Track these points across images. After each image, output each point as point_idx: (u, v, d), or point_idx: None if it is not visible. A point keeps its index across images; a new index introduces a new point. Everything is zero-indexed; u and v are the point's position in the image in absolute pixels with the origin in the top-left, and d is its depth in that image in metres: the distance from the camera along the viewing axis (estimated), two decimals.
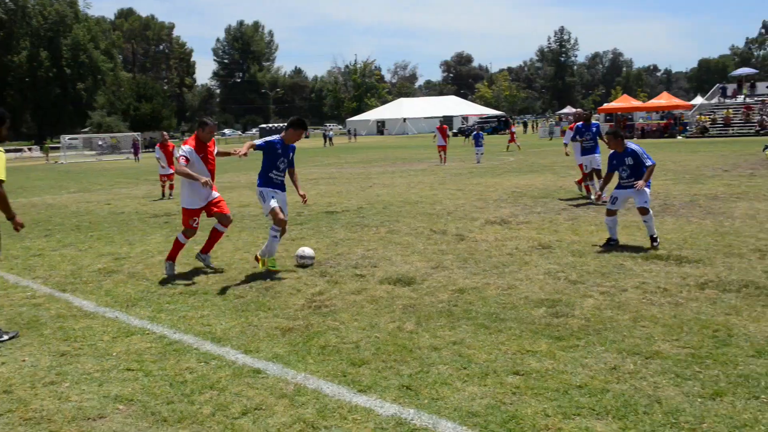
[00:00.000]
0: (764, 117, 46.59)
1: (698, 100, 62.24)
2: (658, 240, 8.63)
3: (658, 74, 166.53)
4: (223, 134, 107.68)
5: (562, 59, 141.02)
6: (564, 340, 5.15)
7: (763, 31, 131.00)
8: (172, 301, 6.88)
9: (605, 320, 5.60)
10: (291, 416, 4.02)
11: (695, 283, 6.71)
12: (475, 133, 29.38)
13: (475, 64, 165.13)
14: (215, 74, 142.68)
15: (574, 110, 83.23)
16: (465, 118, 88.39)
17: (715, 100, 54.00)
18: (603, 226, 10.32)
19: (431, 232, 10.34)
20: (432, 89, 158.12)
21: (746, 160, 23.57)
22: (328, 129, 75.67)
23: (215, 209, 8.06)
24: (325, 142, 63.55)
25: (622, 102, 55.89)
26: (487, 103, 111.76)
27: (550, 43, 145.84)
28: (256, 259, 8.11)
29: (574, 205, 12.96)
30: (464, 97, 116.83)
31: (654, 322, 5.53)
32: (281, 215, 7.71)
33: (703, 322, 5.45)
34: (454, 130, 75.90)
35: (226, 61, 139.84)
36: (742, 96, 52.46)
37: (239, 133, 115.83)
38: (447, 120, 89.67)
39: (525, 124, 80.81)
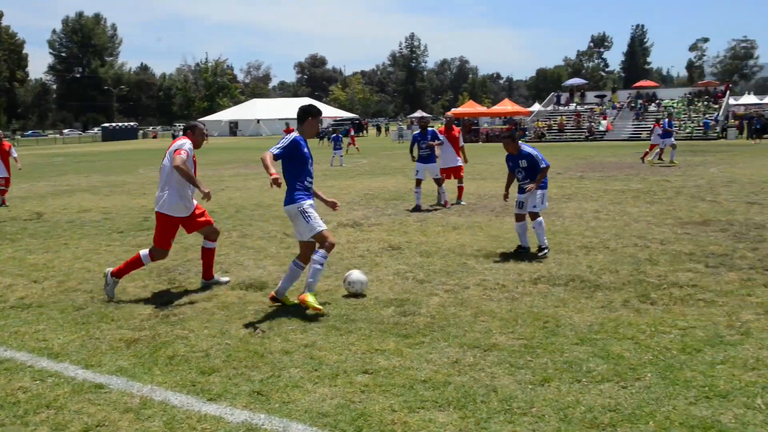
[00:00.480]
0: (592, 124, 50.86)
1: (536, 107, 66.69)
2: (546, 251, 8.43)
3: (501, 81, 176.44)
4: (62, 133, 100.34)
5: (413, 65, 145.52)
6: (411, 337, 5.38)
7: (591, 44, 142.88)
8: (2, 316, 6.38)
9: (449, 317, 5.93)
10: (136, 431, 3.90)
11: (529, 278, 7.25)
12: (334, 135, 29.65)
13: (329, 66, 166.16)
14: (51, 68, 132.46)
15: (424, 114, 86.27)
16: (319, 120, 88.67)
17: (550, 108, 58.18)
18: (449, 227, 10.87)
19: (284, 236, 10.34)
20: (286, 90, 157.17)
21: (577, 164, 25.64)
22: (177, 129, 72.85)
23: (200, 220, 7.08)
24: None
25: (469, 107, 58.76)
26: (341, 106, 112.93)
27: (401, 49, 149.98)
28: (302, 302, 6.09)
29: (425, 209, 13.46)
30: (319, 99, 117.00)
31: (492, 316, 5.92)
32: (332, 238, 6.28)
33: (535, 315, 5.92)
34: None
35: (63, 54, 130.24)
36: (574, 104, 56.94)
37: (79, 132, 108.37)
38: None
39: (378, 128, 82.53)
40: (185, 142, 6.84)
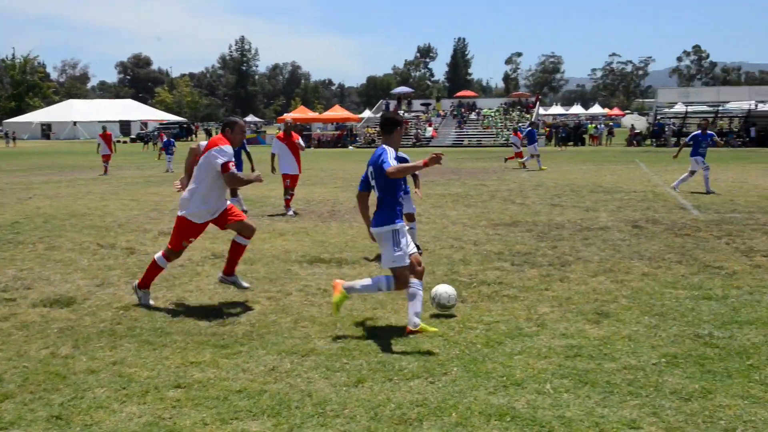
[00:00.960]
0: (419, 130, 53.04)
1: (367, 113, 68.33)
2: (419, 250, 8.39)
3: (333, 88, 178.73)
4: None
5: (244, 68, 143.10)
6: (228, 347, 5.29)
7: (418, 54, 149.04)
8: None
9: (269, 324, 5.90)
10: None
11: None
12: (166, 140, 28.37)
13: (154, 67, 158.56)
14: None
15: (256, 119, 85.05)
16: (144, 123, 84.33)
17: (380, 114, 59.91)
18: (275, 234, 10.82)
19: (98, 247, 9.72)
20: (107, 91, 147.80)
21: None
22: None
23: (232, 218, 6.68)
24: None
25: (300, 113, 58.84)
26: (168, 109, 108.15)
27: (231, 52, 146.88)
28: (418, 330, 5.52)
29: (252, 215, 13.27)
30: (143, 101, 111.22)
31: (313, 321, 5.98)
32: (419, 267, 5.76)
33: (354, 318, 6.06)
34: (132, 136, 71.87)
35: None
36: (402, 111, 59.04)
37: None
38: (125, 125, 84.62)
39: (208, 131, 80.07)
40: (227, 151, 6.37)
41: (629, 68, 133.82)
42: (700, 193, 15.72)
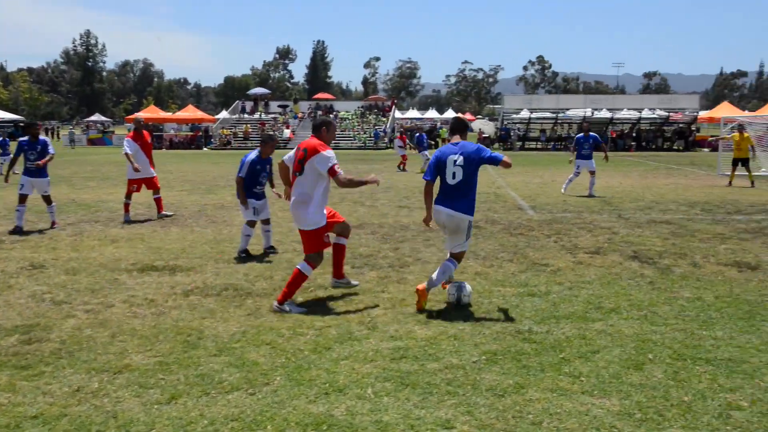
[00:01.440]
0: (276, 132, 52.38)
1: (223, 114, 66.52)
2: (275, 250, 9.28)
3: (189, 87, 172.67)
4: None
5: (90, 64, 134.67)
6: (30, 368, 4.80)
7: (277, 56, 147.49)
8: None
9: (83, 340, 5.44)
10: None
11: (182, 291, 7.04)
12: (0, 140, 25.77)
13: None
14: None
15: (104, 118, 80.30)
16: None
17: (236, 116, 58.50)
18: (107, 240, 10.13)
19: None
20: None
21: None
22: None
23: (332, 221, 6.70)
24: None
25: (150, 112, 56.23)
26: (3, 106, 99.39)
27: (75, 46, 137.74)
28: (421, 295, 6.23)
29: (94, 220, 12.36)
30: None
31: (132, 335, 5.59)
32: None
33: (179, 329, 5.73)
34: None
35: None
36: (259, 113, 58.07)
37: None
38: None
39: (49, 131, 74.40)
40: (329, 154, 6.28)
41: (480, 75, 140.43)
42: (584, 196, 16.02)
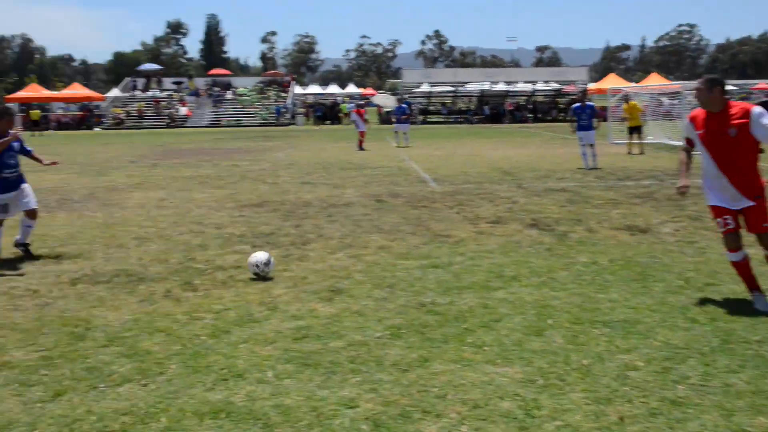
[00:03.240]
0: (172, 111, 50.47)
1: (114, 92, 63.40)
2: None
3: (75, 64, 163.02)
4: None
5: None
6: None
7: (168, 30, 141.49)
8: None
9: None
10: None
11: (69, 279, 6.60)
12: None
13: None
14: None
15: None
16: None
17: (128, 94, 55.86)
18: None
19: None
20: None
21: (153, 151, 25.05)
22: None
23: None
24: None
25: (32, 91, 52.78)
26: None
27: None
28: None
29: None
30: None
31: (13, 329, 5.17)
32: None
33: (65, 320, 5.35)
34: None
35: None
36: (152, 90, 55.71)
37: None
38: None
39: None
40: None
41: (380, 50, 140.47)
42: (583, 169, 15.63)
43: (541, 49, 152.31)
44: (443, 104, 54.35)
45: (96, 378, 4.20)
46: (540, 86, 52.26)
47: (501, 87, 51.79)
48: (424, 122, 49.96)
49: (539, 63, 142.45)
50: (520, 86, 52.48)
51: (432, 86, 52.18)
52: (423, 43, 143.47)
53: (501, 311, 5.35)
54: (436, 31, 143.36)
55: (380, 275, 6.54)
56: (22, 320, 5.39)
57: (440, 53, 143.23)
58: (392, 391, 3.91)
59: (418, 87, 52.97)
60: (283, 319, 5.24)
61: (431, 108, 54.31)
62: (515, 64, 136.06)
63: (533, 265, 6.82)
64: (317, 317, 5.28)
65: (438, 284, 6.18)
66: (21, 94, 54.33)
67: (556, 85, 52.34)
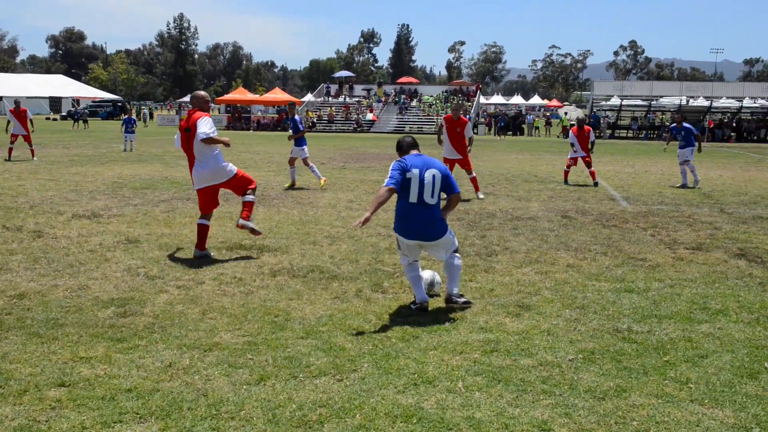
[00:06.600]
0: (360, 116, 52.63)
1: (309, 97, 67.42)
2: None
3: (276, 70, 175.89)
4: None
5: (183, 46, 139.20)
6: (125, 341, 4.90)
7: (362, 39, 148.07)
8: None
9: (174, 316, 5.52)
10: None
11: (269, 271, 7.07)
12: (126, 117, 26.86)
13: (88, 42, 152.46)
14: None
15: None
16: (76, 100, 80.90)
17: (321, 99, 59.14)
18: (196, 218, 10.31)
19: (3, 229, 9.07)
20: (38, 66, 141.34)
21: (341, 154, 26.25)
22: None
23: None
24: None
25: (239, 94, 57.59)
26: (102, 86, 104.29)
27: (169, 29, 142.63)
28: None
29: (178, 197, 12.72)
30: (77, 77, 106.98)
31: (222, 312, 5.63)
32: None
33: (267, 309, 5.73)
34: (63, 113, 68.67)
35: None
36: (343, 96, 58.48)
37: None
38: (55, 101, 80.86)
39: (142, 113, 77.44)
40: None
41: (568, 61, 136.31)
42: (682, 187, 15.28)
43: (750, 62, 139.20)
44: (633, 119, 51.46)
45: (295, 367, 4.44)
46: (747, 103, 47.71)
47: (701, 102, 47.97)
48: (612, 137, 47.67)
49: (747, 77, 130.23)
50: (724, 102, 48.26)
51: (623, 99, 49.62)
52: (616, 53, 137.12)
53: (707, 347, 4.91)
54: (632, 42, 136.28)
55: (570, 294, 6.29)
56: (230, 305, 5.85)
57: (634, 65, 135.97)
58: (588, 419, 3.73)
59: (608, 100, 50.65)
60: (471, 330, 5.22)
61: (620, 122, 51.69)
62: (719, 77, 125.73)
63: (742, 300, 6.20)
64: (506, 332, 5.19)
65: (633, 310, 5.82)
66: (228, 96, 59.61)
67: (766, 102, 47.50)
